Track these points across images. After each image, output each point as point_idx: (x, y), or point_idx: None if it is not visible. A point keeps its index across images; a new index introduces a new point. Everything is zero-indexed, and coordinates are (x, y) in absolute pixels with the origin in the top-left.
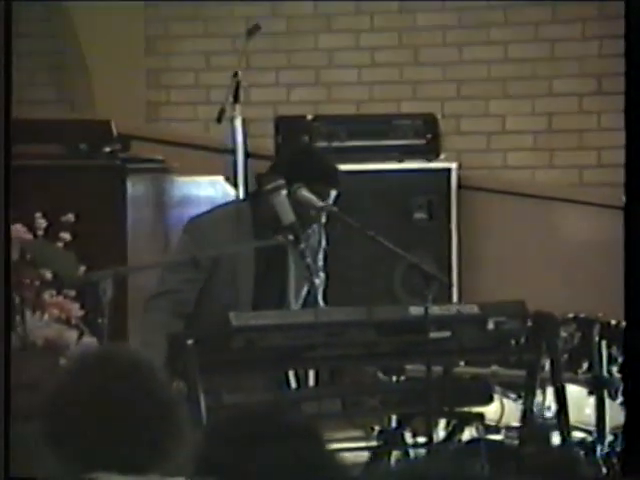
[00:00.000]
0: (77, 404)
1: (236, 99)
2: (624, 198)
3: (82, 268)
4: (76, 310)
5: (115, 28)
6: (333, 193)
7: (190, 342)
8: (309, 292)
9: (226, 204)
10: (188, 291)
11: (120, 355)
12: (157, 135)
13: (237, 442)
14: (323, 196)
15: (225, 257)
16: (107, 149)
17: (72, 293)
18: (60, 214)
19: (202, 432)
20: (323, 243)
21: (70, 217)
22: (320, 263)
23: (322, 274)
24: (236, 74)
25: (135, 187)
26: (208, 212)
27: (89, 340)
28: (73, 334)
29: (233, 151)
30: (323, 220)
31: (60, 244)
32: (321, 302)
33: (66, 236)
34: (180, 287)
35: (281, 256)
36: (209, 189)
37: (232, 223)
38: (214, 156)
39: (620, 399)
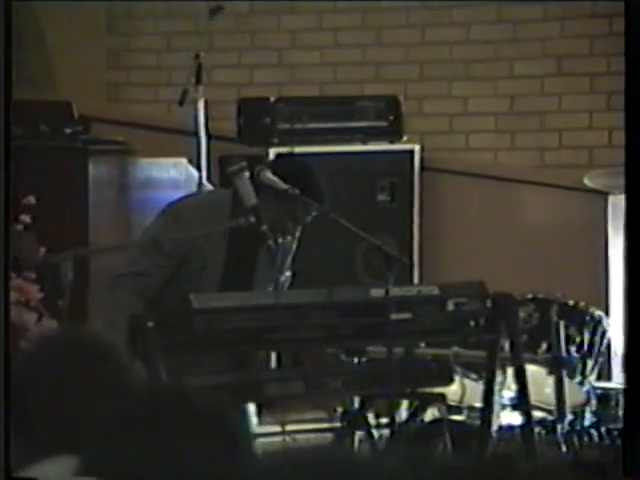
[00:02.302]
0: (36, 386)
1: (198, 81)
2: (586, 180)
3: (42, 250)
4: (36, 292)
5: (76, 7)
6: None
7: (151, 324)
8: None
9: (206, 191)
10: (156, 276)
11: (80, 337)
12: (119, 117)
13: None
14: (308, 207)
15: (197, 246)
16: (68, 130)
17: (32, 275)
18: (20, 196)
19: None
20: (294, 247)
21: (30, 199)
22: (288, 262)
23: (288, 273)
24: (198, 55)
25: (97, 169)
26: (188, 197)
27: (48, 322)
28: (32, 316)
29: (195, 133)
30: (298, 233)
31: (20, 227)
32: None
33: (26, 219)
34: (149, 270)
35: (252, 249)
36: (172, 171)
37: (212, 211)
38: (176, 138)
39: (578, 378)
